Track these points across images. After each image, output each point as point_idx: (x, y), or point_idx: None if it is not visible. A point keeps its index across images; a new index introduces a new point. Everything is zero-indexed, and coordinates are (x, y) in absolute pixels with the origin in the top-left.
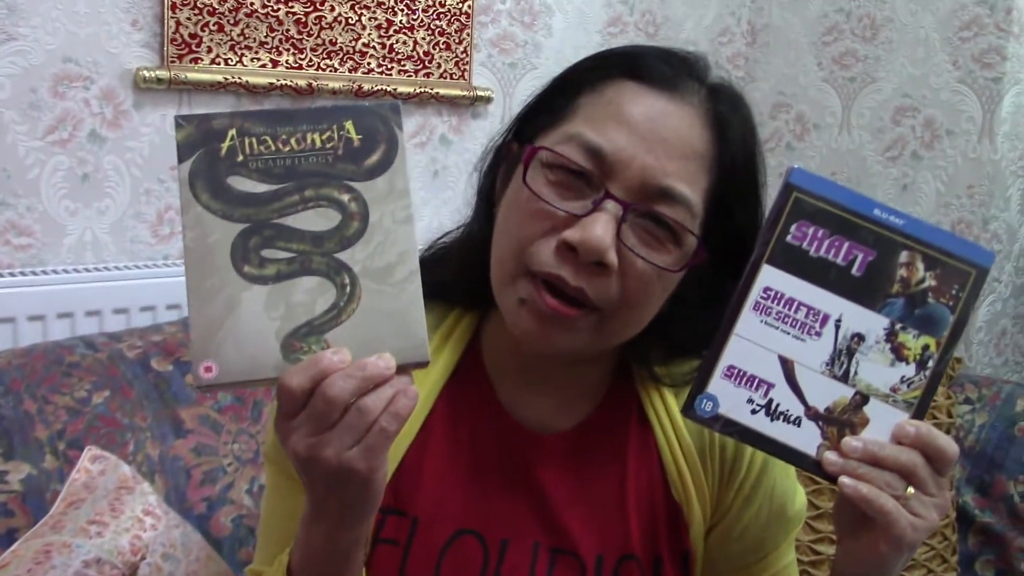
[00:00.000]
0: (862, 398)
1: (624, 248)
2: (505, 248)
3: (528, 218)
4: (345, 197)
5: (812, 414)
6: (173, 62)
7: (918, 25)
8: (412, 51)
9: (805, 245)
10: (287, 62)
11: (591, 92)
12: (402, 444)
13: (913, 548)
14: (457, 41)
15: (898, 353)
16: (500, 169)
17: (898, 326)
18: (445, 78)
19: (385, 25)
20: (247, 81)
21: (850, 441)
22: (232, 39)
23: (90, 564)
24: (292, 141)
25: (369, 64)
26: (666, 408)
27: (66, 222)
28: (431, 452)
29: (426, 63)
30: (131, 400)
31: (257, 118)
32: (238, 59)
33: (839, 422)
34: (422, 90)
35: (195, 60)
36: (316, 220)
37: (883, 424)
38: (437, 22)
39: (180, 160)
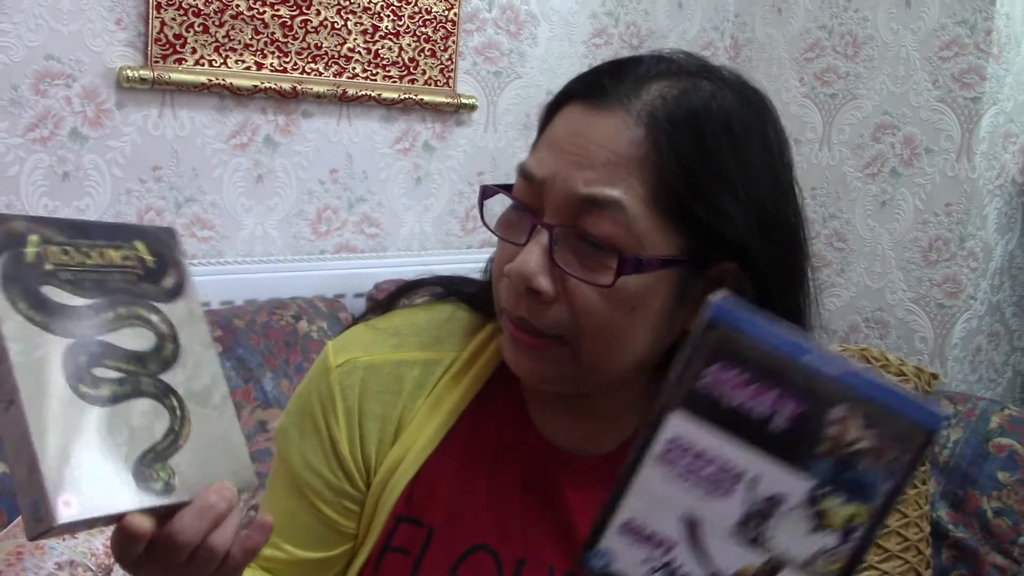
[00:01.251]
0: (774, 567)
1: (560, 271)
2: (493, 282)
3: (496, 256)
4: (154, 318)
5: None
6: (157, 62)
7: (899, 44)
8: (397, 57)
9: (722, 392)
10: (272, 65)
11: (548, 123)
12: (424, 452)
13: None
14: (442, 48)
15: (820, 520)
16: None
17: (823, 490)
18: (430, 85)
19: (371, 30)
20: (231, 83)
21: None
22: (217, 40)
23: (63, 566)
24: (93, 254)
25: (354, 69)
26: None
27: None
28: (453, 462)
29: (411, 69)
30: None
31: (55, 227)
32: (222, 61)
33: None
34: (406, 96)
35: (179, 61)
36: (135, 339)
37: None
38: (423, 29)
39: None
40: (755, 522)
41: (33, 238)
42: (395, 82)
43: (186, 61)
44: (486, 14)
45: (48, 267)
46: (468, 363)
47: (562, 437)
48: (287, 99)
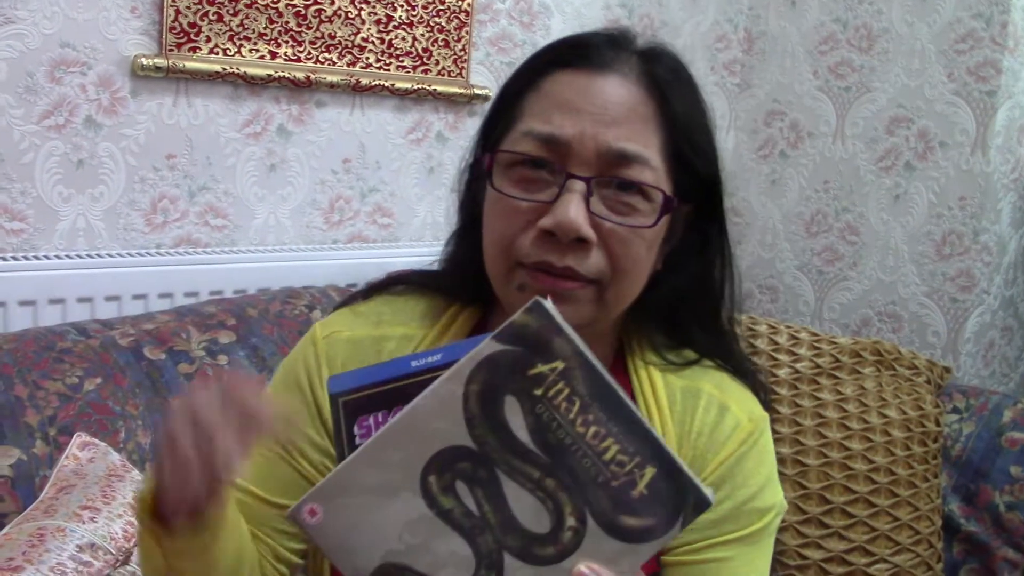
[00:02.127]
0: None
1: (598, 219)
2: (494, 250)
3: (505, 218)
4: (571, 521)
5: None
6: (171, 50)
7: (914, 37)
8: (411, 47)
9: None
10: (285, 54)
11: (532, 91)
12: None
13: None
14: (456, 39)
15: None
16: (475, 185)
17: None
18: (443, 75)
19: (384, 20)
20: (245, 72)
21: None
22: (231, 29)
23: (84, 548)
24: (591, 429)
25: (367, 59)
26: (653, 391)
27: (59, 208)
28: None
29: (424, 60)
30: (123, 388)
31: (591, 376)
32: (236, 49)
33: None
34: (420, 86)
35: (193, 49)
36: (528, 510)
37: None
38: (436, 19)
39: (496, 336)
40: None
41: (558, 364)
42: (408, 72)
43: (200, 50)
44: (499, 5)
45: (537, 392)
46: (438, 338)
47: None
48: (300, 88)
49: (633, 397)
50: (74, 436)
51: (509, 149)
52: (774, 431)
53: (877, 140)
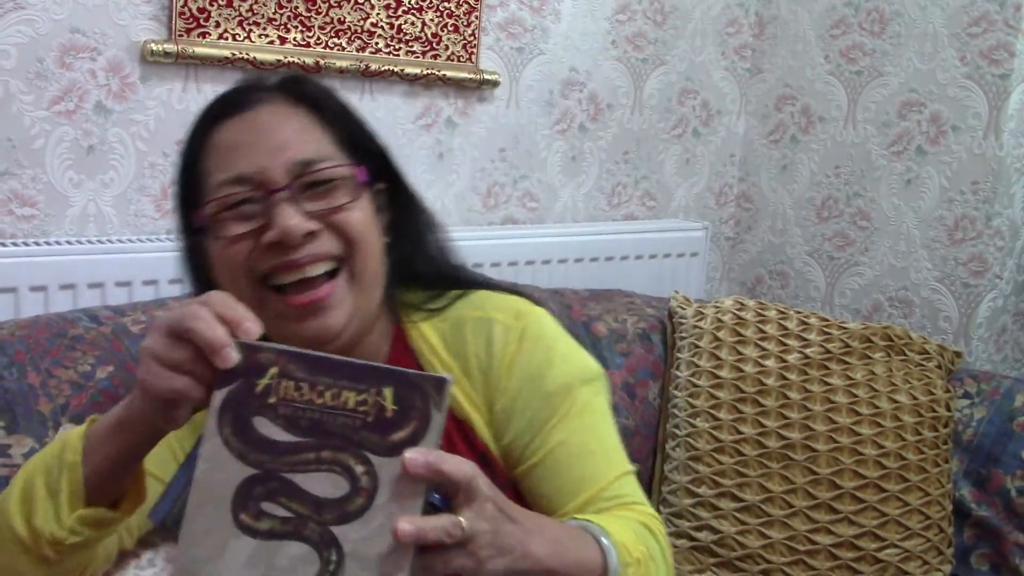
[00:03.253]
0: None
1: (312, 214)
2: (236, 287)
3: (233, 252)
4: (359, 468)
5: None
6: (181, 36)
7: (926, 20)
8: (420, 32)
9: None
10: (295, 39)
11: (205, 152)
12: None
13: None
14: (465, 24)
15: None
16: (200, 265)
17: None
18: (452, 60)
19: (394, 5)
20: (254, 57)
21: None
22: (240, 14)
23: None
24: (327, 394)
25: (377, 44)
26: (428, 344)
27: (70, 193)
28: None
29: (434, 45)
30: (135, 376)
31: (301, 361)
32: (246, 35)
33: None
34: (429, 72)
35: (203, 35)
36: (324, 484)
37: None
38: (446, 4)
39: (218, 385)
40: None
41: (272, 370)
42: (418, 57)
43: (210, 35)
44: None
45: (272, 400)
46: None
47: None
48: (310, 74)
49: (418, 362)
50: (57, 436)
51: (211, 199)
52: (783, 416)
53: (889, 124)
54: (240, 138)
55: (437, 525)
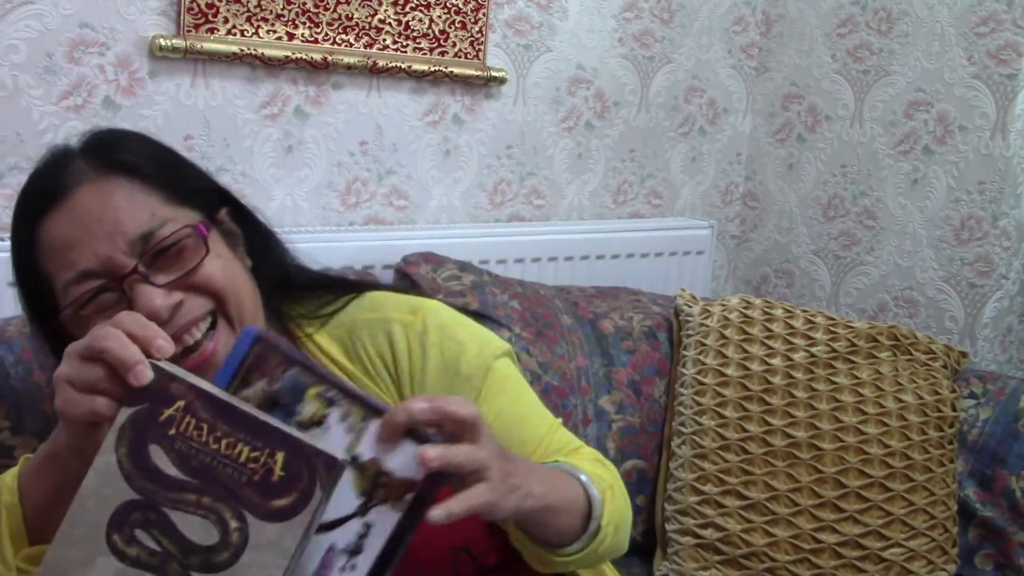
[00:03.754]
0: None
1: (169, 282)
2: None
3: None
4: (233, 524)
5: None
6: (189, 31)
7: (934, 19)
8: (428, 29)
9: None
10: (303, 35)
11: (39, 254)
12: None
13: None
14: (473, 21)
15: (319, 423)
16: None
17: (293, 420)
18: (460, 57)
19: (401, 2)
20: (262, 53)
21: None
22: (248, 10)
23: None
24: (223, 442)
25: (384, 40)
26: (325, 353)
27: None
28: None
29: (441, 41)
30: None
31: (208, 402)
32: (254, 31)
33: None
34: (436, 68)
35: (211, 30)
36: (197, 529)
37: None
38: (453, 1)
39: (127, 403)
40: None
41: (180, 403)
42: (425, 54)
43: (218, 31)
44: None
45: (171, 431)
46: None
47: None
48: (318, 70)
49: (308, 353)
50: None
51: (64, 306)
52: (789, 415)
53: (895, 124)
54: (70, 232)
55: (460, 450)
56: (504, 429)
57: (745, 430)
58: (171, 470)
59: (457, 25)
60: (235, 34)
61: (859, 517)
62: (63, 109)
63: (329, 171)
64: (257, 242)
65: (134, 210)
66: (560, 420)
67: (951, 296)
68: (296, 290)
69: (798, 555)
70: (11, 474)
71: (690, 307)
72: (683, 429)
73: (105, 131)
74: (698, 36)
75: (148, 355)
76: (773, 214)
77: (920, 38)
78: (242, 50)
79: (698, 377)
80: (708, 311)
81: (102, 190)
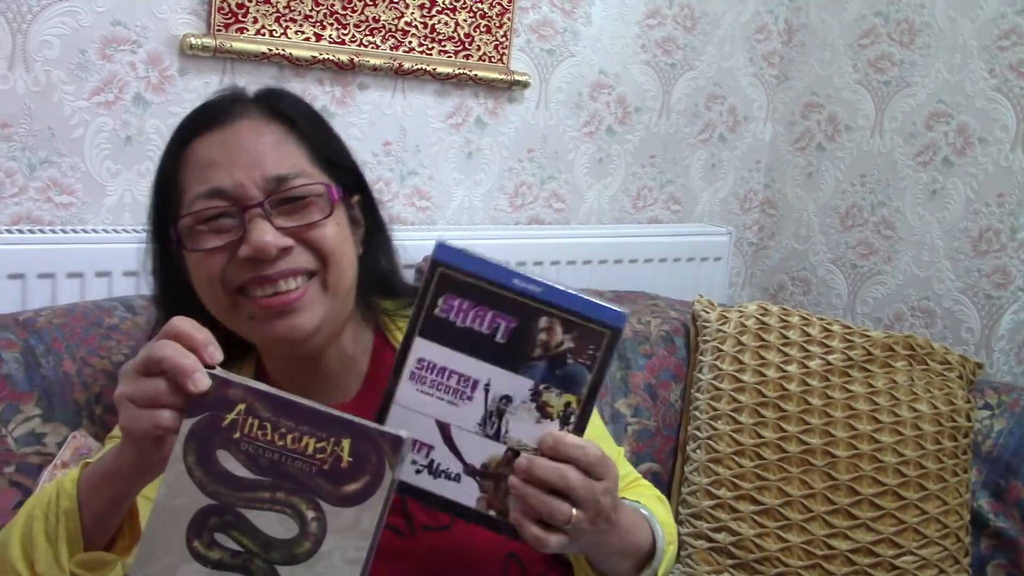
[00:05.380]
0: (513, 454)
1: (285, 230)
2: (211, 294)
3: (208, 263)
4: (310, 514)
5: (470, 471)
6: (219, 30)
7: (956, 32)
8: (453, 32)
9: (452, 317)
10: (330, 36)
11: (182, 166)
12: None
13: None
14: (498, 25)
15: (543, 411)
16: (170, 278)
17: (541, 386)
18: (484, 61)
19: (428, 5)
20: (290, 53)
21: (521, 462)
22: (278, 11)
23: None
24: (288, 438)
25: (410, 43)
26: None
27: (107, 183)
28: None
29: (466, 45)
30: None
31: (268, 401)
32: (282, 31)
33: (494, 476)
34: (461, 71)
35: (241, 30)
36: (275, 524)
37: None
38: (479, 5)
39: (188, 415)
40: (493, 420)
41: (240, 406)
42: (450, 57)
43: (247, 30)
44: None
45: (236, 435)
46: None
47: (315, 398)
48: (344, 71)
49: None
50: (69, 438)
51: (187, 213)
52: (804, 422)
53: (915, 135)
54: (217, 153)
55: (553, 506)
56: None
57: (760, 436)
58: (241, 471)
59: (482, 29)
60: (264, 34)
61: (872, 524)
62: (94, 105)
63: None
64: (373, 237)
65: (279, 153)
66: (623, 448)
67: (968, 307)
68: (391, 289)
69: (811, 561)
70: (70, 479)
71: (707, 313)
72: (698, 433)
73: (278, 87)
74: (720, 44)
75: (201, 360)
76: (791, 222)
77: (942, 50)
78: (270, 50)
79: (714, 382)
80: (725, 317)
81: (259, 129)
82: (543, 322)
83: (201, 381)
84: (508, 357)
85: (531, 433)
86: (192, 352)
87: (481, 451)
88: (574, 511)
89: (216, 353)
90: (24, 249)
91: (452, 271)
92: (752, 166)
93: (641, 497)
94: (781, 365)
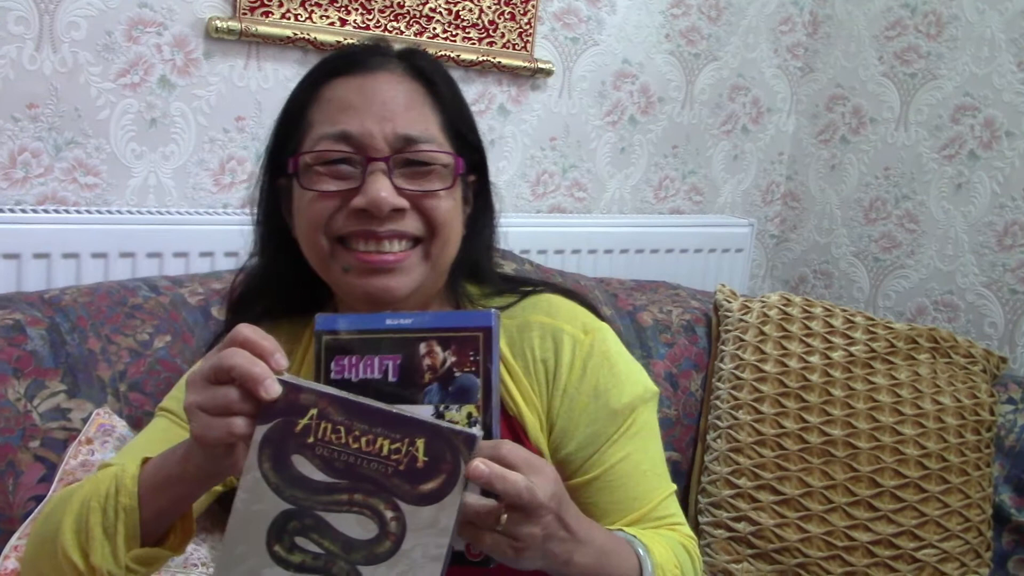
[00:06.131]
0: None
1: (404, 191)
2: (312, 236)
3: (319, 205)
4: (389, 514)
5: None
6: (245, 14)
7: (984, 24)
8: (477, 19)
9: (346, 375)
10: (355, 21)
11: (314, 103)
12: None
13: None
14: (522, 12)
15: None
16: (281, 206)
17: (441, 407)
18: (508, 48)
19: None
20: (315, 38)
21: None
22: None
23: None
24: (363, 440)
25: (434, 29)
26: None
27: (132, 164)
28: None
29: (490, 32)
30: (191, 347)
31: (340, 405)
32: (307, 15)
33: None
34: (484, 58)
35: (266, 13)
36: (354, 526)
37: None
38: None
39: (260, 421)
40: None
41: (312, 411)
42: (474, 44)
43: (272, 14)
44: None
45: (310, 440)
46: (305, 351)
47: None
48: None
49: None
50: (93, 415)
51: (311, 150)
52: (825, 413)
53: (941, 128)
54: (353, 97)
55: (516, 477)
56: (622, 477)
57: (781, 426)
58: (317, 475)
59: (506, 16)
60: (289, 18)
61: (893, 517)
62: (120, 87)
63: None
64: (477, 220)
65: (414, 114)
66: (675, 488)
67: (991, 302)
68: (479, 273)
69: (830, 552)
70: (131, 477)
71: (729, 303)
72: (719, 423)
73: (425, 50)
74: (744, 35)
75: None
76: (814, 215)
77: (969, 43)
78: (295, 34)
79: (735, 372)
80: (748, 307)
81: (399, 84)
82: (423, 348)
83: (273, 388)
84: (405, 392)
85: None
86: (259, 360)
87: None
88: (504, 514)
89: (282, 360)
90: (49, 229)
91: (331, 335)
92: (775, 158)
93: (656, 535)
94: (803, 356)
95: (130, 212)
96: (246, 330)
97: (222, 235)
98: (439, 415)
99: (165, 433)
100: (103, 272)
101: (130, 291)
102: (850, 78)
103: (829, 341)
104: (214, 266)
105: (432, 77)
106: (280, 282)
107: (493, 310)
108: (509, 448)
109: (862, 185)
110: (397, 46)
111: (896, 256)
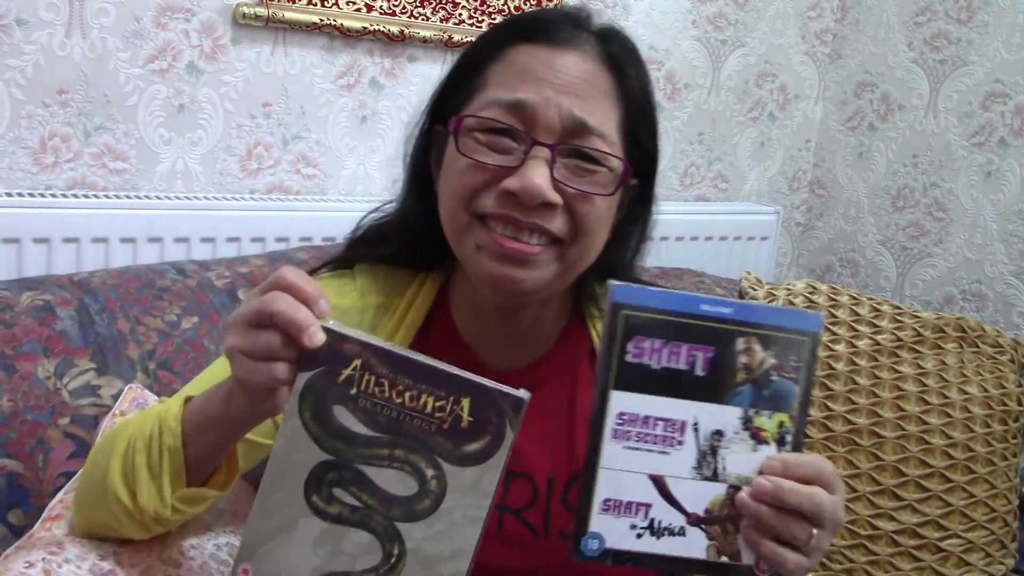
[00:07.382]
0: (735, 489)
1: (561, 185)
2: (454, 204)
3: (469, 176)
4: (429, 472)
5: (694, 520)
6: (271, 0)
7: (1016, 10)
8: (503, 5)
9: (646, 360)
10: (381, 7)
11: (495, 62)
12: None
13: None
14: (548, 0)
15: (757, 437)
16: (431, 152)
17: (751, 412)
18: None
19: None
20: (341, 24)
21: (764, 484)
22: None
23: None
24: (406, 395)
25: (460, 15)
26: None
27: (160, 150)
28: None
29: None
30: (218, 328)
31: (385, 358)
32: (333, 1)
33: (720, 519)
34: None
35: (292, 0)
36: (394, 481)
37: None
38: None
39: (302, 368)
40: (708, 460)
41: (356, 362)
42: None
43: (299, 0)
44: None
45: (352, 391)
46: (407, 307)
47: (494, 356)
48: (394, 42)
49: (593, 347)
50: (125, 389)
51: (476, 114)
52: (851, 401)
53: (971, 115)
54: (537, 66)
55: (794, 527)
56: None
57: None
58: (359, 428)
59: (532, 2)
60: (315, 4)
61: (918, 506)
62: (148, 72)
63: (401, 143)
64: (628, 226)
65: (595, 103)
66: None
67: (1020, 291)
68: (614, 277)
69: (854, 541)
70: (174, 417)
71: (755, 290)
72: None
73: (624, 34)
74: (772, 20)
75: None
76: (840, 202)
77: (1001, 28)
78: (322, 20)
79: None
80: (773, 295)
81: (586, 67)
82: (740, 344)
83: (317, 336)
84: (711, 389)
85: (749, 464)
86: (303, 305)
87: (701, 496)
88: (814, 530)
89: (326, 306)
90: (79, 214)
91: (636, 311)
92: (802, 145)
93: None
94: (829, 344)
95: (158, 197)
96: (290, 274)
97: (249, 220)
98: (748, 419)
99: (225, 373)
100: (131, 257)
101: (158, 274)
102: (879, 64)
103: (855, 330)
104: (240, 251)
105: (624, 68)
106: (407, 230)
107: (820, 314)
108: (824, 464)
109: (890, 173)
110: (597, 21)
111: (924, 245)
